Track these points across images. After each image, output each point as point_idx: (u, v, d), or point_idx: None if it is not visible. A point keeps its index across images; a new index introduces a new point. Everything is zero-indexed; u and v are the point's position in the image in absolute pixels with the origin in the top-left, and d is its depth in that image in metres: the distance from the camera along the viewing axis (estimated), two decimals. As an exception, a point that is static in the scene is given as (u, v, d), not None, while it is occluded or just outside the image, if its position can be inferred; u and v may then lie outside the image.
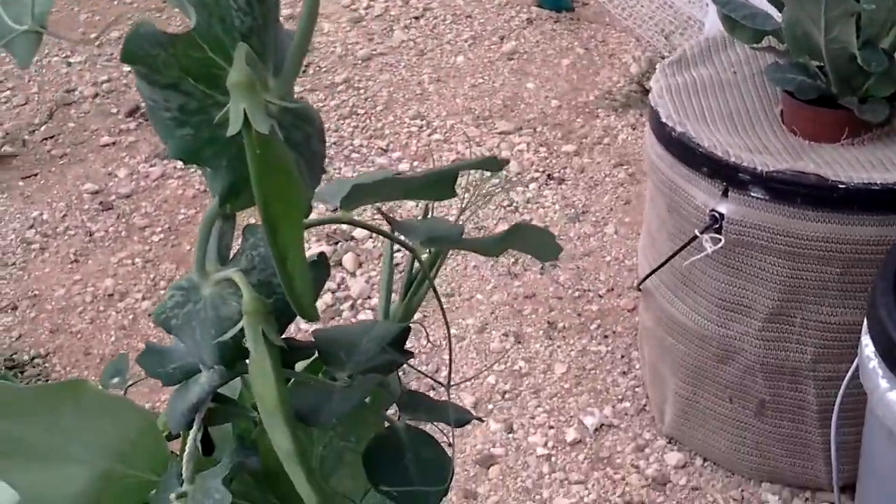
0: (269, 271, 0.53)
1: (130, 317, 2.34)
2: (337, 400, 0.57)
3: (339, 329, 0.64)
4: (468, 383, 2.17)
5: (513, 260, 2.45)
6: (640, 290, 1.99)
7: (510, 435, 2.07)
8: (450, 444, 0.60)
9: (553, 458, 2.02)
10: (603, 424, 2.07)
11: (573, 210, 2.59)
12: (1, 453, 0.62)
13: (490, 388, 2.16)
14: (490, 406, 2.12)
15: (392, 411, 0.64)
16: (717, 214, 1.66)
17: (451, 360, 0.55)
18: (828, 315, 1.70)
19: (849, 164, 1.62)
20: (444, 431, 0.62)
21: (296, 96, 0.52)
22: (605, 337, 2.25)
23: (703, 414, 1.93)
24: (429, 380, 2.07)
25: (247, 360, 0.56)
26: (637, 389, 2.14)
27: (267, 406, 0.53)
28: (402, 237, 0.58)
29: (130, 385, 0.87)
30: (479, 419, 0.57)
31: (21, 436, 0.62)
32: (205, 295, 0.54)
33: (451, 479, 0.57)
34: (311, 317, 0.51)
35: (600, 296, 2.35)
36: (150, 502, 0.65)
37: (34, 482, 0.63)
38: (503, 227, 2.52)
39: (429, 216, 0.64)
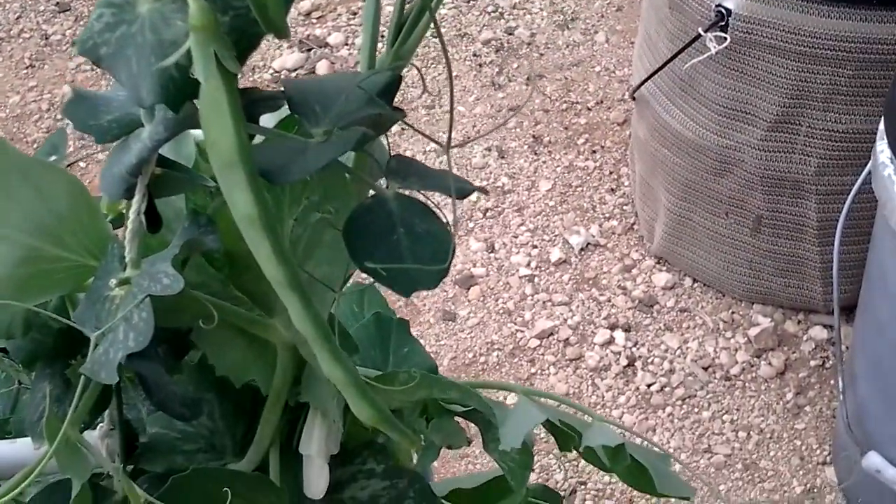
0: (227, -21, 0.41)
1: (89, 126, 2.21)
2: (311, 156, 0.46)
3: (315, 79, 0.52)
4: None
5: (497, 70, 2.31)
6: (634, 98, 1.87)
7: (491, 254, 1.97)
8: (446, 223, 0.49)
9: (536, 279, 1.93)
10: (589, 244, 1.98)
11: (562, 16, 2.43)
12: None
13: (471, 205, 2.05)
14: (471, 224, 2.01)
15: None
16: (723, 10, 1.54)
17: (452, 110, 0.44)
18: (835, 122, 1.59)
19: (868, -44, 1.49)
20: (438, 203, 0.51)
21: None
22: (594, 152, 2.14)
23: (696, 231, 1.83)
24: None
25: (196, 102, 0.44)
26: (625, 207, 2.04)
27: (223, 155, 0.41)
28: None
29: (72, 164, 0.75)
30: (483, 190, 0.46)
31: (-77, 206, 0.50)
32: (141, 13, 0.42)
33: (453, 256, 0.46)
34: (280, 29, 0.39)
35: (589, 108, 2.22)
36: (89, 291, 0.54)
37: (-59, 261, 0.52)
38: (487, 33, 2.37)
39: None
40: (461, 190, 0.50)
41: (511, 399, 0.66)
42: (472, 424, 0.62)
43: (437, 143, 0.49)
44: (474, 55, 2.34)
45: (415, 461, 0.64)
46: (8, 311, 0.57)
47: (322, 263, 0.54)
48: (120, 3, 0.42)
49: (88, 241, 0.54)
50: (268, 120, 0.53)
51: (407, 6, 0.56)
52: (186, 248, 0.50)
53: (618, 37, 2.38)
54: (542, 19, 2.42)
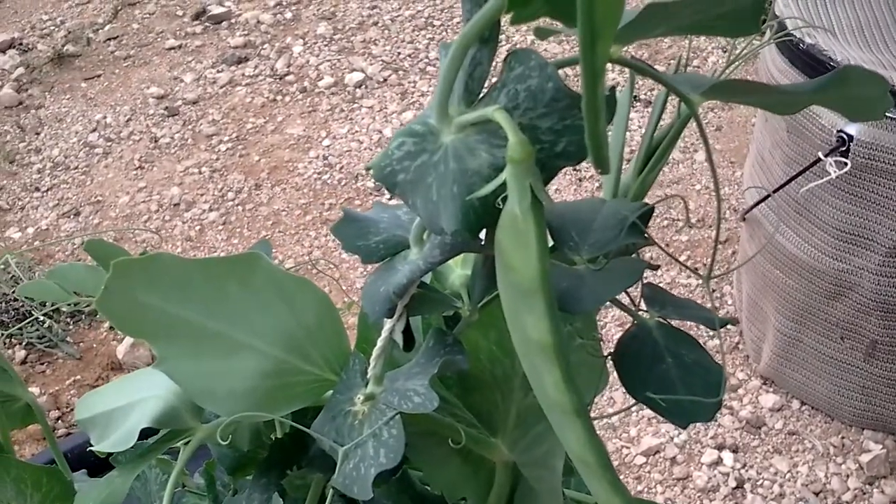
0: (538, 112, 0.42)
1: (197, 228, 2.24)
2: (591, 285, 0.46)
3: (565, 205, 0.53)
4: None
5: (598, 184, 2.33)
6: (745, 219, 1.87)
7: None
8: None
9: (638, 394, 1.91)
10: (692, 361, 1.96)
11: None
12: (159, 335, 0.52)
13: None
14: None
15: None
16: (844, 136, 1.54)
17: (716, 245, 0.44)
18: (957, 251, 1.58)
19: None
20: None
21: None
22: (695, 269, 2.13)
23: (806, 354, 1.81)
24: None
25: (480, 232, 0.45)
26: (729, 327, 2.02)
27: (523, 283, 0.42)
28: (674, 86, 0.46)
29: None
30: (735, 322, 0.46)
31: (183, 316, 0.51)
32: (445, 143, 0.43)
33: (725, 388, 0.46)
34: (605, 165, 0.40)
35: (690, 226, 2.23)
36: (326, 405, 0.54)
37: (198, 373, 0.53)
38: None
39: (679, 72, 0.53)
40: (721, 321, 0.50)
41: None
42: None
43: (696, 273, 0.49)
44: (575, 169, 2.36)
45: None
46: (241, 423, 0.58)
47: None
48: (423, 132, 0.43)
49: (331, 356, 0.55)
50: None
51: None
52: (444, 368, 0.51)
53: (717, 156, 2.39)
54: (641, 136, 2.44)
